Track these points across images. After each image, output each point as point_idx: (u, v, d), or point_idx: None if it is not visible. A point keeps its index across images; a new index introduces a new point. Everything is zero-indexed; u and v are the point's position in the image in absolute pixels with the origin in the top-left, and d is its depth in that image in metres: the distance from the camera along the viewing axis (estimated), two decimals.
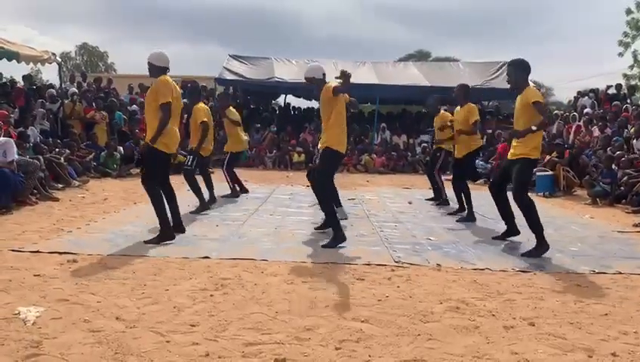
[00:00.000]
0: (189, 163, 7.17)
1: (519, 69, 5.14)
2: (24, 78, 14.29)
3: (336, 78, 5.05)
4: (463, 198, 7.20)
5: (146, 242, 5.09)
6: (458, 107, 7.32)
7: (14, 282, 3.76)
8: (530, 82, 5.28)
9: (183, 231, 5.56)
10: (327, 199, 5.41)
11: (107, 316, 3.17)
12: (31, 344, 2.73)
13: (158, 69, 5.21)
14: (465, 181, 7.24)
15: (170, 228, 5.25)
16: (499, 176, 5.63)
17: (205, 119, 7.14)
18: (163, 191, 5.32)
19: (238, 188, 8.73)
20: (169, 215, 5.35)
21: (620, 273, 4.51)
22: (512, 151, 5.27)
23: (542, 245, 5.02)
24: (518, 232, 5.60)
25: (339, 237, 5.19)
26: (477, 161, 12.25)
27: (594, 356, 2.81)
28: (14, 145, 7.20)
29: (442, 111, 8.20)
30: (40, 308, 3.23)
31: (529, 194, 5.29)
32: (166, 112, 5.05)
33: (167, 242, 5.12)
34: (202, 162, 7.45)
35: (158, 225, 5.19)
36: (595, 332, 3.14)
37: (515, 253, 5.13)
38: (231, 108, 8.61)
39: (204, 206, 7.01)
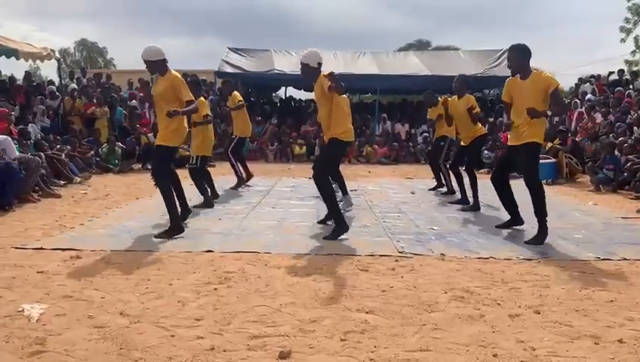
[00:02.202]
0: (194, 161, 7.14)
1: (521, 54, 5.07)
2: (25, 75, 14.24)
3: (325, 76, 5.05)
4: (465, 186, 7.18)
5: (156, 236, 5.08)
6: (455, 97, 7.31)
7: (18, 279, 3.76)
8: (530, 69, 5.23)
9: (189, 211, 5.69)
10: (327, 189, 5.26)
11: (111, 311, 3.16)
12: (35, 341, 2.73)
13: (160, 63, 5.19)
14: (472, 169, 7.20)
15: (180, 222, 5.25)
16: (500, 166, 5.60)
17: (208, 112, 7.15)
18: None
19: (244, 174, 8.78)
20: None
21: (625, 259, 4.49)
22: (516, 137, 5.14)
23: (544, 231, 5.01)
24: (522, 222, 5.57)
25: (342, 228, 5.17)
26: (483, 149, 12.33)
27: (600, 343, 2.79)
28: (12, 143, 7.19)
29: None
30: (44, 304, 3.23)
31: None
32: (193, 109, 5.27)
33: (178, 236, 5.11)
34: (204, 160, 7.42)
35: (159, 221, 5.19)
36: (601, 319, 3.13)
37: (519, 241, 5.10)
38: (234, 93, 8.66)
39: (207, 203, 6.99)
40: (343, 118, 5.29)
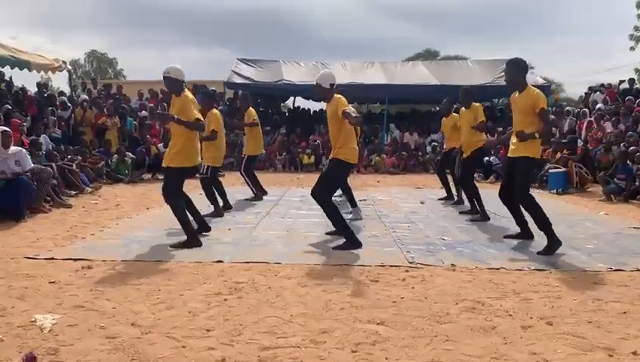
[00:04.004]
0: (204, 171, 7.16)
1: (516, 68, 5.18)
2: (38, 86, 14.37)
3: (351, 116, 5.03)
4: (473, 199, 7.17)
5: (171, 246, 5.10)
6: (463, 108, 7.48)
7: (30, 289, 3.79)
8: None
9: (208, 229, 5.72)
10: (329, 206, 5.24)
11: (123, 322, 3.18)
12: (48, 351, 2.74)
13: (179, 84, 5.29)
14: (472, 180, 7.25)
15: (196, 236, 5.26)
16: (506, 180, 5.53)
17: (216, 127, 7.14)
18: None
19: (255, 191, 8.76)
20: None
21: (638, 270, 4.44)
22: (512, 148, 5.23)
23: (554, 242, 4.97)
24: (532, 236, 5.52)
25: (352, 242, 5.14)
26: (491, 158, 12.36)
27: (614, 355, 2.76)
28: (27, 155, 7.27)
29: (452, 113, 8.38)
30: (56, 315, 3.25)
31: (541, 191, 5.23)
32: (199, 128, 5.29)
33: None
34: (214, 171, 7.44)
35: (170, 231, 5.19)
36: (615, 331, 3.09)
37: (530, 251, 5.07)
38: (250, 110, 8.68)
39: (218, 212, 7.00)
40: (348, 138, 5.28)
